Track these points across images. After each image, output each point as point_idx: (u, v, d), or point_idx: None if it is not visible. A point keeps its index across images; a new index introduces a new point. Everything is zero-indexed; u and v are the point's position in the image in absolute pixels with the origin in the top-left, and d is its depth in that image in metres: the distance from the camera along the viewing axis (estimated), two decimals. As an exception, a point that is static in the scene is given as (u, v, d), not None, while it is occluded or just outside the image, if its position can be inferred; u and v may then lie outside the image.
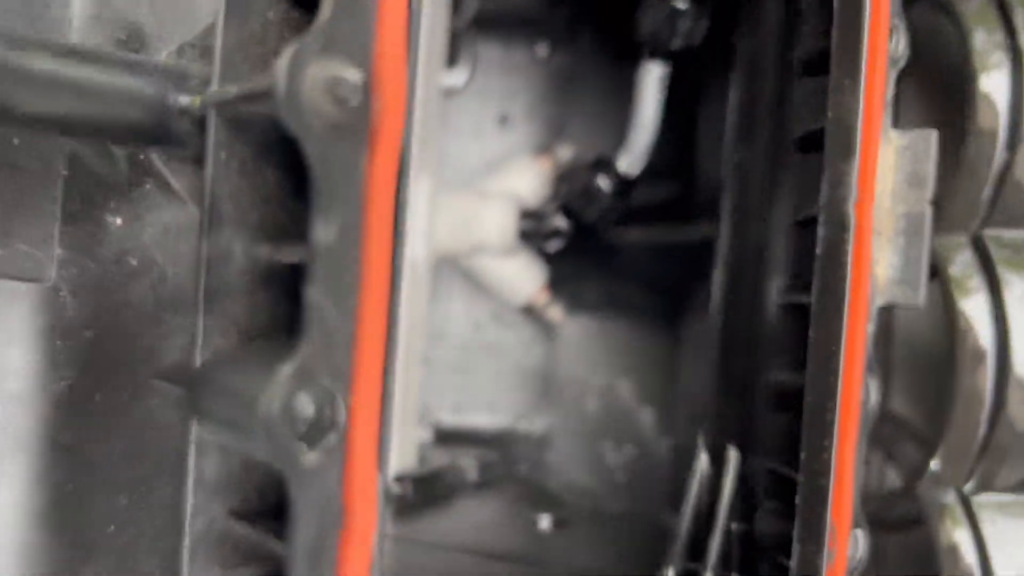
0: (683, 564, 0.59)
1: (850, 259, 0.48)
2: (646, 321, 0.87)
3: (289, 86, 0.27)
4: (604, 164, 0.74)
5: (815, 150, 0.53)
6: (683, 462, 0.80)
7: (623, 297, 0.88)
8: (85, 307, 0.35)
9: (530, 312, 0.88)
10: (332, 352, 0.28)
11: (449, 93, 0.93)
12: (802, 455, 0.49)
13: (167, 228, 0.35)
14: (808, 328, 0.50)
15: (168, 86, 0.33)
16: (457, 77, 0.93)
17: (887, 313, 0.73)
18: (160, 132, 0.33)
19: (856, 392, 0.49)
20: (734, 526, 0.59)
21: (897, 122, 0.52)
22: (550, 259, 0.87)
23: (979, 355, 0.67)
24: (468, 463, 0.85)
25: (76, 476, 0.35)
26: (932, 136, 0.50)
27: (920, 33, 0.82)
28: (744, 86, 0.61)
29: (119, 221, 0.35)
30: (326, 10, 0.28)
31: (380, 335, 0.29)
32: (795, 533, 0.49)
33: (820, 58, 0.52)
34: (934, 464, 0.68)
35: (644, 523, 0.76)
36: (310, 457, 0.28)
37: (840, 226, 0.49)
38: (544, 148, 0.88)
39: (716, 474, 0.61)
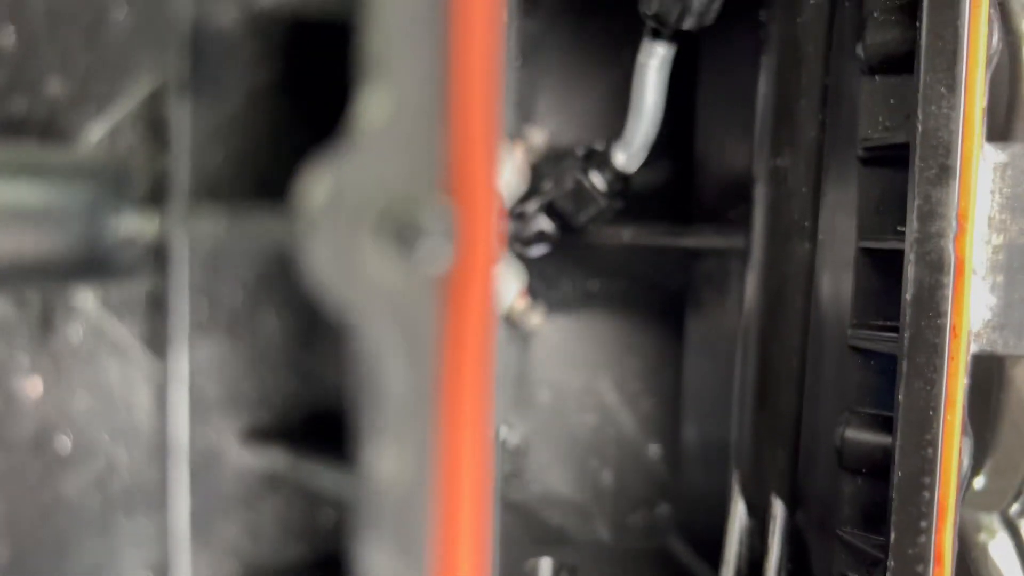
0: (729, 637, 0.52)
1: (949, 307, 0.40)
2: (633, 323, 0.78)
3: (327, 246, 0.16)
4: (596, 158, 0.64)
5: (887, 166, 0.44)
6: (687, 487, 0.73)
7: (610, 296, 0.79)
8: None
9: (506, 319, 0.79)
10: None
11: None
12: (892, 536, 0.42)
13: (111, 391, 0.24)
14: (891, 379, 0.42)
15: (101, 198, 0.21)
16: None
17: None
18: (92, 265, 0.22)
19: (955, 462, 0.41)
20: (782, 589, 0.52)
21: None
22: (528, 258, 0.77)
23: None
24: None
25: None
26: (1035, 151, 0.42)
27: None
28: (779, 78, 0.52)
29: (36, 387, 0.24)
30: (381, 105, 0.17)
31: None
32: (886, 627, 0.42)
33: (898, 56, 0.42)
34: (978, 483, 0.62)
35: (658, 561, 0.68)
36: None
37: (936, 267, 0.40)
38: (512, 134, 0.78)
39: (759, 529, 0.54)
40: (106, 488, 0.24)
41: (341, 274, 0.17)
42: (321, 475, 0.20)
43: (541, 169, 0.75)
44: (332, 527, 0.21)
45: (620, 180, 0.64)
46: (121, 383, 0.24)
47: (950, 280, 0.40)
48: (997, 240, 0.42)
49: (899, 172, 0.43)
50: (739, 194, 0.60)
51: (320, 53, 0.22)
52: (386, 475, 0.17)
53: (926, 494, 0.41)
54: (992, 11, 0.41)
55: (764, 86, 0.53)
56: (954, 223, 0.40)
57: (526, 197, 0.73)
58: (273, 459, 0.22)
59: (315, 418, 0.22)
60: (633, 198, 0.70)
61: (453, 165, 0.19)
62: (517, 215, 0.69)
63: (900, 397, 0.41)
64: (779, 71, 0.52)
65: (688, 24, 0.55)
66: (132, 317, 0.24)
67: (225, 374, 0.22)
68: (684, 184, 0.70)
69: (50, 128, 0.23)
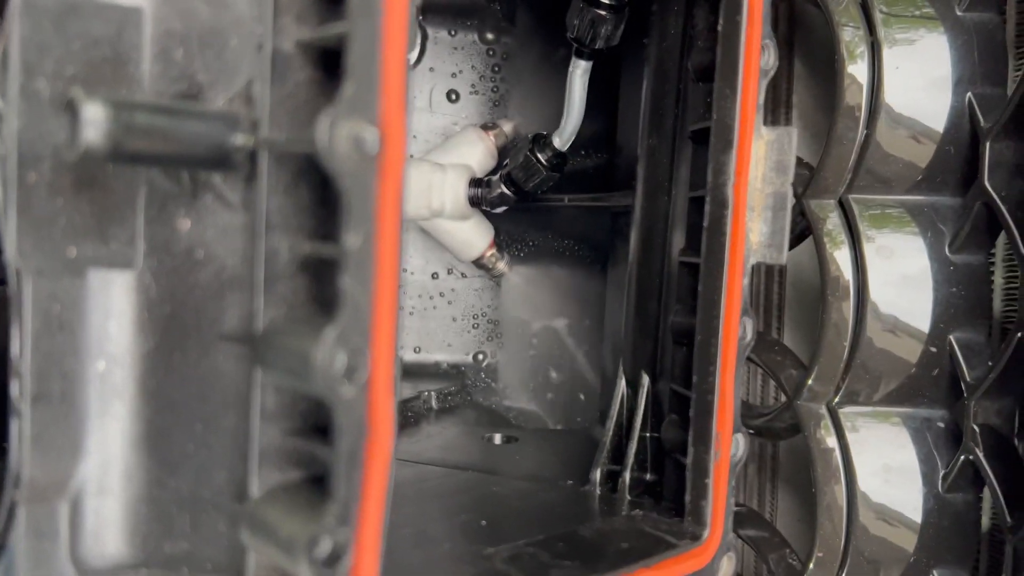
0: (608, 466, 0.75)
1: (728, 230, 0.63)
2: (578, 271, 1.02)
3: (328, 141, 0.41)
4: (541, 141, 0.87)
5: (704, 143, 0.67)
6: (608, 386, 0.96)
7: (559, 251, 1.03)
8: (164, 288, 0.48)
9: (480, 265, 1.02)
10: (359, 321, 0.42)
11: (402, 70, 1.05)
12: (694, 379, 0.65)
13: (224, 230, 0.48)
14: (698, 282, 0.65)
15: (227, 129, 0.45)
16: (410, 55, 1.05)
17: (775, 267, 0.89)
18: (220, 162, 0.46)
19: (734, 330, 0.64)
20: (647, 435, 0.75)
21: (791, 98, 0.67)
22: (497, 219, 1.01)
23: (844, 292, 0.83)
24: (431, 394, 1.00)
25: (162, 412, 0.49)
26: (793, 132, 0.65)
27: (800, 23, 0.97)
28: (653, 83, 0.75)
29: (187, 224, 0.48)
30: (350, 87, 0.41)
31: (390, 309, 0.43)
32: (689, 439, 0.65)
33: (708, 68, 0.66)
34: (810, 382, 0.84)
35: (578, 437, 0.92)
36: (347, 392, 0.42)
37: (721, 204, 0.63)
38: (489, 122, 1.01)
39: (633, 395, 0.77)
40: (219, 277, 0.49)
41: (328, 154, 0.41)
42: (326, 249, 0.44)
43: (507, 152, 0.99)
44: (331, 277, 0.44)
45: (558, 157, 0.87)
46: (230, 222, 0.48)
47: (729, 213, 0.63)
48: (768, 189, 0.65)
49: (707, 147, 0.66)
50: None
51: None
52: (353, 244, 0.42)
53: (712, 350, 0.64)
54: (768, 41, 0.64)
55: (645, 90, 0.76)
56: (733, 177, 0.63)
57: (494, 171, 0.96)
58: (305, 248, 0.46)
59: (324, 235, 0.46)
60: (572, 173, 0.94)
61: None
62: (485, 183, 0.93)
63: (699, 289, 0.64)
64: (653, 79, 0.75)
65: (598, 45, 0.78)
66: (237, 189, 0.48)
67: (285, 211, 0.46)
68: (608, 163, 0.94)
69: (200, 96, 0.47)
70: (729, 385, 0.65)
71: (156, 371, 0.48)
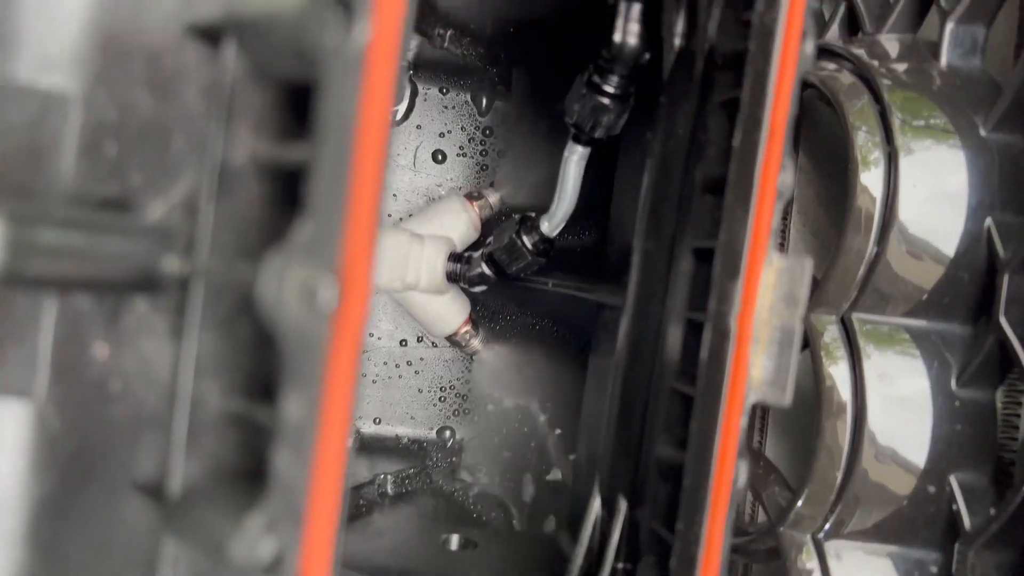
0: (574, 598, 0.68)
1: (729, 365, 0.57)
2: (557, 355, 0.95)
3: (276, 290, 0.33)
4: (529, 223, 0.81)
5: (707, 261, 0.61)
6: (580, 483, 0.89)
7: (538, 330, 0.96)
8: (69, 423, 0.40)
9: (453, 342, 0.95)
10: (291, 507, 0.35)
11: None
12: (678, 525, 0.58)
13: (146, 361, 0.41)
14: (690, 416, 0.59)
15: (157, 249, 0.38)
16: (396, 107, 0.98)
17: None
18: (147, 285, 0.39)
19: (728, 476, 0.58)
20: (619, 566, 0.68)
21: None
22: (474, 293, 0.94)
23: (840, 413, 0.77)
24: (387, 477, 0.93)
25: (54, 569, 0.41)
26: (807, 262, 0.58)
27: (806, 114, 0.91)
28: (654, 183, 0.68)
29: (104, 351, 0.41)
30: (309, 227, 0.34)
31: (333, 494, 0.36)
32: (668, 591, 0.58)
33: (718, 182, 0.59)
34: (799, 508, 0.78)
35: (543, 545, 0.85)
36: (271, 591, 0.35)
37: (722, 335, 0.57)
38: (474, 191, 0.95)
39: (608, 519, 0.70)
40: (137, 416, 0.41)
41: (274, 304, 0.34)
42: (260, 412, 0.37)
43: (492, 224, 0.92)
44: (265, 445, 0.37)
45: (544, 242, 0.81)
46: (154, 353, 0.41)
47: (731, 346, 0.57)
48: (775, 322, 0.59)
49: (712, 269, 0.60)
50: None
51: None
52: (292, 414, 0.34)
53: (701, 496, 0.57)
54: (787, 160, 0.58)
55: (644, 187, 0.70)
56: (738, 307, 0.57)
57: (476, 246, 0.90)
58: (237, 405, 0.39)
59: (264, 386, 0.39)
60: (559, 255, 0.87)
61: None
62: (465, 259, 0.86)
63: (692, 426, 0.58)
64: (654, 179, 0.69)
65: (599, 134, 0.72)
66: (165, 316, 0.41)
67: (218, 353, 0.39)
68: (598, 251, 0.87)
69: (131, 204, 0.40)
70: (717, 536, 0.58)
71: (50, 519, 0.40)
